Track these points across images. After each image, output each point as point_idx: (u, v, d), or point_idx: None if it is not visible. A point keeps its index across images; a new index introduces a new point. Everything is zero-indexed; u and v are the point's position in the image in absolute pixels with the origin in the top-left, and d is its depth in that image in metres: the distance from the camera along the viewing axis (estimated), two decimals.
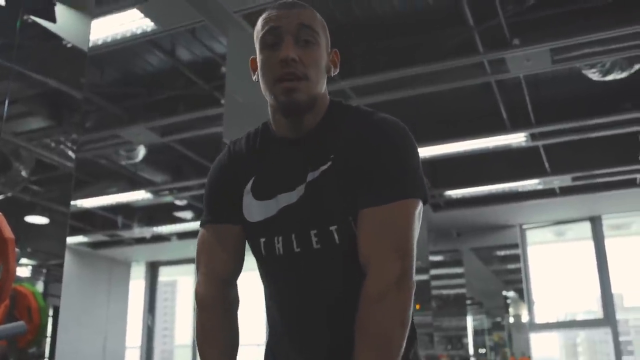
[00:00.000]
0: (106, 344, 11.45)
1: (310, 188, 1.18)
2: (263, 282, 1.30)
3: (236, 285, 1.32)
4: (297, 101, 1.18)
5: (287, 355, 1.27)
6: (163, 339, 12.73)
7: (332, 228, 1.16)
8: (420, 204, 1.16)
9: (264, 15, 1.22)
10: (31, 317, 3.63)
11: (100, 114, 6.18)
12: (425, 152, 7.32)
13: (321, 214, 1.17)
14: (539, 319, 10.73)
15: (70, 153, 5.20)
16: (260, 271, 1.30)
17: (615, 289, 10.11)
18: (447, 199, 9.35)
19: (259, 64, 1.22)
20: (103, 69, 5.71)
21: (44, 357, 3.96)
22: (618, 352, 9.66)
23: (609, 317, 9.99)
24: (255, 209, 1.24)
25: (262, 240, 1.23)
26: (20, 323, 2.09)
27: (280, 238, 1.21)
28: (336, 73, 1.28)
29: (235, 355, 1.27)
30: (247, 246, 1.32)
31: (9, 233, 1.92)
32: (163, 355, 12.59)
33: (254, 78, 1.27)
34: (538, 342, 10.96)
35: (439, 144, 7.16)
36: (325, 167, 1.18)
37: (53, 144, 5.67)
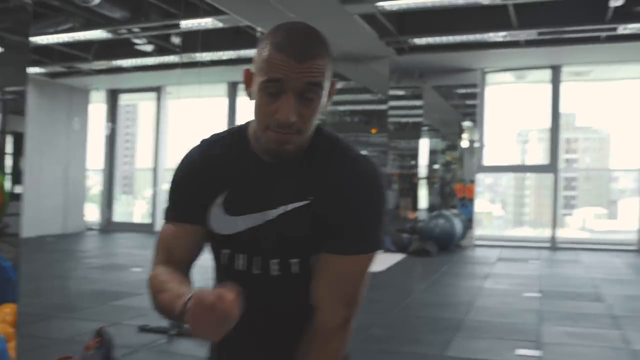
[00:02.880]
0: (68, 170, 11.67)
1: (281, 218, 1.21)
2: (217, 271, 1.35)
3: (189, 274, 1.30)
4: (287, 152, 1.17)
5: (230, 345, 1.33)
6: (124, 162, 12.97)
7: (294, 261, 1.24)
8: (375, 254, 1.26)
9: (272, 52, 1.11)
10: None
11: None
12: (392, 5, 7.18)
13: (287, 246, 1.23)
14: (487, 161, 11.32)
15: None
16: (216, 264, 1.34)
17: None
18: (412, 45, 9.33)
19: (255, 94, 1.16)
20: None
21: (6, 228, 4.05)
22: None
23: (554, 165, 10.66)
24: (222, 223, 1.26)
25: (225, 252, 1.28)
26: None
27: (243, 256, 1.26)
28: (330, 102, 1.23)
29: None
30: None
31: None
32: (124, 178, 12.91)
33: (245, 92, 1.22)
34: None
35: None
36: (301, 204, 1.20)
37: None
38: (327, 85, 1.15)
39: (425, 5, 7.29)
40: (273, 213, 1.21)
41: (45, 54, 9.54)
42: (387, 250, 9.60)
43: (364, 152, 1.29)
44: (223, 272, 1.31)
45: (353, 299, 1.22)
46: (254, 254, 1.24)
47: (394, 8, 7.39)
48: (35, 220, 10.62)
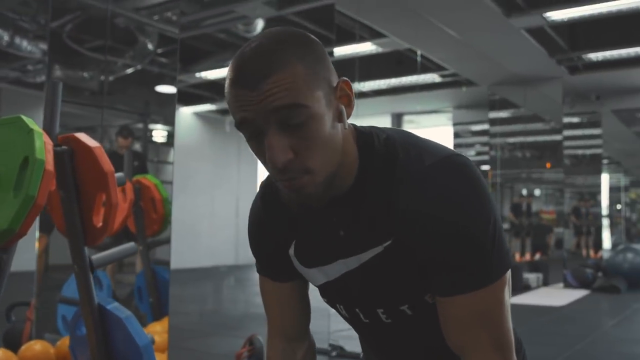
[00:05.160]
0: (239, 203, 12.16)
1: (363, 269, 0.99)
2: None
3: (306, 335, 1.21)
4: (307, 197, 0.90)
5: None
6: None
7: (403, 307, 1.00)
8: (508, 275, 0.94)
9: (227, 87, 0.87)
10: (155, 207, 3.82)
11: None
12: (562, 14, 6.68)
13: (382, 297, 1.00)
14: None
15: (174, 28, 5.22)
16: None
17: None
18: (585, 61, 8.63)
19: None
20: None
21: (169, 242, 4.20)
22: None
23: None
24: (306, 274, 1.09)
25: (325, 299, 1.12)
26: (131, 244, 2.17)
27: (342, 307, 1.08)
28: (352, 109, 0.93)
29: None
30: None
31: (108, 166, 1.91)
32: None
33: None
34: None
35: (580, 4, 6.46)
36: (380, 249, 0.95)
37: (174, 18, 5.72)
38: (318, 96, 0.85)
39: (600, 13, 6.69)
40: (350, 263, 0.99)
41: (216, 91, 10.08)
42: (568, 285, 8.86)
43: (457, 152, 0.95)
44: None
45: (502, 343, 0.92)
46: (352, 305, 1.05)
47: (565, 18, 6.85)
48: (209, 251, 11.14)
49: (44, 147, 1.61)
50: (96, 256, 1.94)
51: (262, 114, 0.83)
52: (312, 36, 0.90)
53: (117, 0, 4.87)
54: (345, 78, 0.91)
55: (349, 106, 0.92)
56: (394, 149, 0.95)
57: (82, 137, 1.84)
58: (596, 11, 6.65)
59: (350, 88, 0.91)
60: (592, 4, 6.45)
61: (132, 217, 3.73)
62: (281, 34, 0.86)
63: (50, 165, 1.62)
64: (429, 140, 0.98)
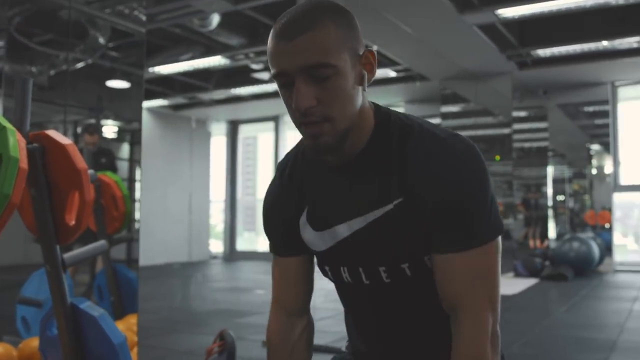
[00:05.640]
0: (192, 199, 12.04)
1: (372, 226, 1.09)
2: (337, 290, 1.28)
3: (307, 312, 1.31)
4: (324, 145, 1.03)
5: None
6: (246, 193, 13.22)
7: (404, 266, 1.09)
8: (500, 242, 1.06)
9: (269, 41, 1.02)
10: (117, 204, 3.76)
11: None
12: (513, 11, 6.84)
13: (388, 252, 1.09)
14: (624, 181, 10.44)
15: (142, 17, 5.15)
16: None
17: None
18: (534, 57, 8.86)
19: None
20: None
21: (132, 239, 4.15)
22: None
23: None
24: (314, 239, 1.18)
25: (327, 268, 1.20)
26: (102, 242, 2.14)
27: (346, 269, 1.16)
28: (374, 77, 1.08)
29: None
30: None
31: (81, 163, 1.89)
32: (246, 208, 13.13)
33: None
34: (620, 200, 10.72)
35: (530, 2, 6.63)
36: (390, 207, 1.06)
37: (127, 11, 5.63)
38: (344, 57, 1.00)
39: (550, 10, 6.88)
40: (360, 222, 1.10)
41: (168, 86, 9.95)
42: (519, 274, 9.11)
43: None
44: (337, 288, 1.25)
45: (493, 300, 1.04)
46: (356, 264, 1.14)
47: (516, 15, 7.02)
48: (162, 248, 11.00)
49: (17, 144, 1.57)
50: (68, 255, 1.91)
51: (295, 65, 0.98)
52: (344, 8, 1.05)
53: None
54: (371, 49, 1.06)
55: (371, 72, 1.06)
56: (411, 122, 1.10)
57: (54, 134, 1.81)
58: (545, 9, 6.83)
59: (375, 58, 1.06)
60: (542, 2, 6.63)
61: (92, 215, 3.67)
62: (322, 2, 1.03)
63: (24, 163, 1.58)
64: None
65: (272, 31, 1.02)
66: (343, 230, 1.13)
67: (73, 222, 1.84)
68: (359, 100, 1.05)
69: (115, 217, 3.73)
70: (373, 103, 1.14)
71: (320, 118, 1.00)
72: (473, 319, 1.02)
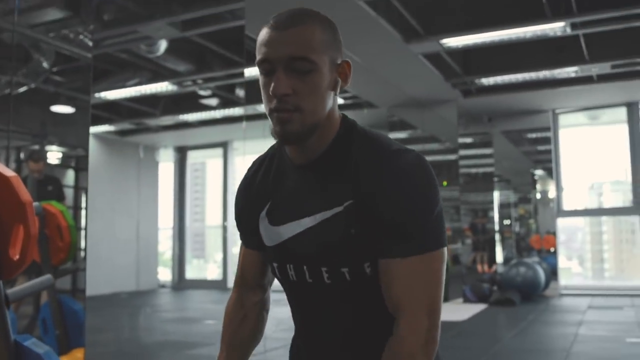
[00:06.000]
0: (139, 227, 11.82)
1: (322, 225, 1.15)
2: (283, 288, 1.33)
3: (264, 290, 1.40)
4: (290, 132, 1.11)
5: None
6: (194, 220, 13.07)
7: (344, 270, 1.14)
8: (445, 253, 1.12)
9: (261, 32, 1.13)
10: (62, 235, 3.67)
11: (118, 8, 5.93)
12: (458, 41, 7.02)
13: (330, 253, 1.14)
14: (567, 206, 10.74)
15: (88, 42, 5.09)
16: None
17: None
18: (478, 85, 9.10)
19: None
20: None
21: (78, 270, 4.04)
22: None
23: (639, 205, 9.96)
24: (268, 234, 1.24)
25: (275, 265, 1.25)
26: (48, 276, 2.08)
27: (292, 266, 1.21)
28: (347, 85, 1.18)
29: (245, 354, 1.39)
30: None
31: (26, 196, 1.83)
32: (195, 235, 12.98)
33: None
34: (563, 224, 11.03)
35: (473, 32, 6.82)
36: (340, 209, 1.12)
37: (72, 36, 5.54)
38: (323, 58, 1.11)
39: (491, 40, 7.09)
40: (310, 221, 1.16)
41: (114, 111, 9.81)
42: (467, 300, 9.22)
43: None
44: (283, 285, 1.29)
45: (433, 307, 1.09)
46: (301, 262, 1.19)
47: (459, 45, 7.21)
48: (109, 277, 10.74)
49: None
50: (12, 290, 1.84)
51: (280, 54, 1.08)
52: (334, 22, 1.16)
53: (7, 15, 4.65)
54: (348, 60, 1.16)
55: (345, 81, 1.17)
56: (372, 134, 1.18)
57: None
58: (487, 39, 7.04)
59: (350, 69, 1.16)
60: (485, 32, 6.83)
61: (36, 245, 3.56)
62: (314, 11, 1.14)
63: None
64: None
65: (268, 23, 1.12)
66: (294, 227, 1.18)
67: (17, 257, 1.78)
68: (330, 103, 1.15)
69: (60, 247, 3.63)
70: (342, 113, 1.22)
71: (292, 107, 1.09)
72: (409, 320, 1.07)
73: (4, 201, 1.76)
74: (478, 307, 8.59)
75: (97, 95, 8.30)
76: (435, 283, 1.10)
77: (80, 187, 5.64)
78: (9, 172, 1.78)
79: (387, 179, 1.09)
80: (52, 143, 5.53)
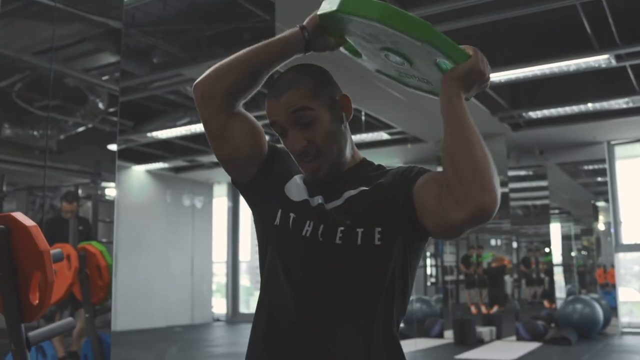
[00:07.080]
0: (194, 262, 12.07)
1: (348, 200, 1.30)
2: (266, 260, 1.35)
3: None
4: (322, 176, 1.31)
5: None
6: (255, 252, 13.25)
7: (359, 230, 1.25)
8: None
9: (266, 104, 1.31)
10: (101, 274, 3.82)
11: (164, 52, 6.20)
12: (501, 75, 7.00)
13: (351, 217, 1.27)
14: (626, 239, 10.38)
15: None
16: (264, 250, 1.36)
17: None
18: (526, 118, 8.99)
19: None
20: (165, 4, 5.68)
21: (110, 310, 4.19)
22: None
23: None
24: (298, 191, 1.35)
25: (293, 215, 1.32)
26: (69, 320, 2.20)
27: (311, 223, 1.29)
28: (351, 117, 1.36)
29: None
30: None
31: (44, 245, 1.96)
32: (253, 267, 13.12)
33: None
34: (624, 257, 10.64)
35: (517, 67, 6.80)
36: (365, 188, 1.30)
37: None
38: (320, 103, 1.28)
39: (535, 74, 7.04)
40: (339, 201, 1.31)
41: (168, 150, 10.13)
42: (521, 338, 8.96)
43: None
44: (284, 238, 1.32)
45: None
46: (321, 222, 1.29)
47: (503, 80, 7.18)
48: (164, 311, 10.98)
49: None
50: (34, 333, 1.97)
51: (285, 116, 1.28)
52: (321, 67, 1.35)
53: (66, 61, 4.92)
54: (345, 94, 1.35)
55: (348, 113, 1.35)
56: (379, 165, 1.41)
57: (19, 216, 1.90)
58: (532, 72, 6.99)
59: (349, 100, 1.35)
60: (529, 67, 6.79)
61: (77, 284, 3.73)
62: (300, 65, 1.33)
63: None
64: None
65: (268, 93, 1.31)
66: (326, 199, 1.32)
67: (37, 302, 1.91)
68: (340, 135, 1.33)
69: (100, 286, 3.78)
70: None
71: (313, 154, 1.29)
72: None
73: (24, 250, 1.90)
74: (531, 346, 8.34)
75: (149, 134, 8.61)
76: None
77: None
78: (29, 222, 1.92)
79: (395, 171, 1.33)
80: (107, 180, 5.75)
